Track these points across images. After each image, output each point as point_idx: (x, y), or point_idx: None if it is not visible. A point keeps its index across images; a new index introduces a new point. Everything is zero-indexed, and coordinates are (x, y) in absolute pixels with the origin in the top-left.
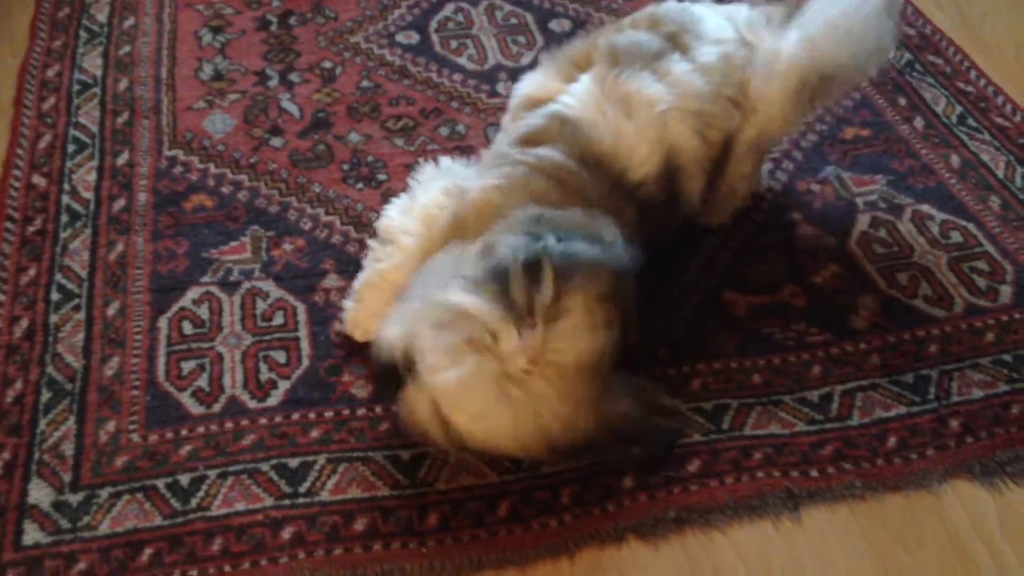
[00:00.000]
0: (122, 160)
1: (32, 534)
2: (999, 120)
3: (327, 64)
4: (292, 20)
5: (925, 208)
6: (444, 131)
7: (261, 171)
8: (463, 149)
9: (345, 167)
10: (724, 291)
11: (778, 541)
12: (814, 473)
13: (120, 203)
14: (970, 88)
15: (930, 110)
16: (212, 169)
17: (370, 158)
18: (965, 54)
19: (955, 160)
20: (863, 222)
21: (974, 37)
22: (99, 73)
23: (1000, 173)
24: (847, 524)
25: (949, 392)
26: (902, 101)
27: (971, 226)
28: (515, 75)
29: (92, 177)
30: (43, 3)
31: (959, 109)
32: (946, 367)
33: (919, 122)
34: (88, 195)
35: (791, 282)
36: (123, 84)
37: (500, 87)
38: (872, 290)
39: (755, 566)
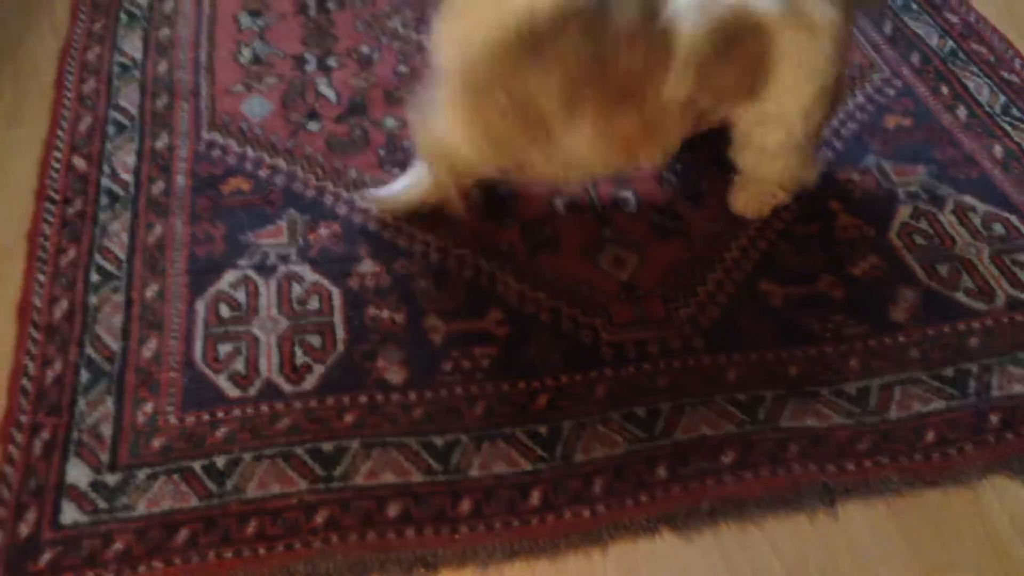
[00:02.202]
0: (161, 143)
1: (70, 513)
2: None
3: (364, 49)
4: (330, 4)
5: (967, 199)
6: None
7: (298, 155)
8: None
9: (381, 152)
10: (761, 280)
11: (814, 537)
12: (851, 467)
13: (159, 186)
14: (1014, 78)
15: (973, 99)
16: (250, 152)
17: (406, 143)
18: (1010, 43)
19: (998, 150)
20: (904, 213)
21: (1020, 25)
22: (139, 56)
23: None
24: (884, 520)
25: (989, 387)
26: (944, 90)
27: (1014, 218)
28: None
29: (131, 159)
30: None
31: (1003, 99)
32: (987, 361)
33: (962, 111)
34: (128, 177)
35: (830, 273)
36: (163, 67)
37: None
38: (912, 282)
39: (791, 563)
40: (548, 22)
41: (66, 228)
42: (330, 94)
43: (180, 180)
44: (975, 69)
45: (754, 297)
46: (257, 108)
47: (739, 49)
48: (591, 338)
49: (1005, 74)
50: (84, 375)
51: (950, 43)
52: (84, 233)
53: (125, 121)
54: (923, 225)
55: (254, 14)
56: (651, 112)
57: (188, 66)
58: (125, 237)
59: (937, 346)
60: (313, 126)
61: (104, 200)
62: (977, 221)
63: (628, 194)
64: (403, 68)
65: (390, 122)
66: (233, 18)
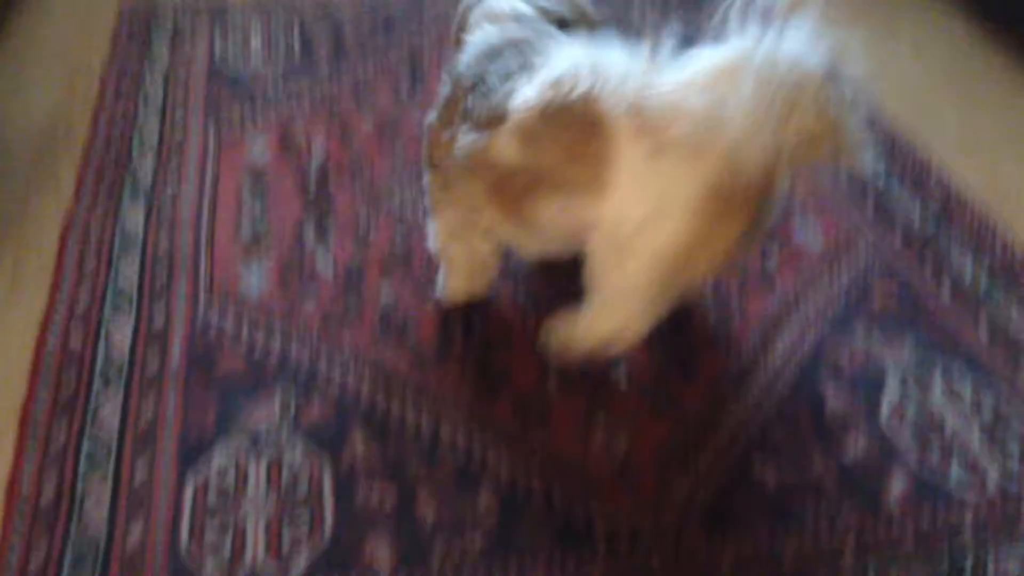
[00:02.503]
0: (158, 320)
1: None
2: None
3: (362, 224)
4: (330, 180)
5: (955, 376)
6: None
7: (294, 330)
8: (493, 310)
9: (377, 324)
10: (754, 463)
11: None
12: None
13: (153, 365)
14: (997, 252)
15: (957, 275)
16: (246, 328)
17: (401, 316)
18: (992, 217)
19: (984, 326)
20: (893, 391)
21: (1001, 200)
22: (140, 231)
23: None
24: None
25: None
26: (928, 265)
27: (1002, 395)
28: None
29: (127, 338)
30: (90, 157)
31: (987, 273)
32: (981, 552)
33: (946, 287)
34: (122, 356)
35: (822, 456)
36: (164, 243)
37: None
38: (904, 465)
39: None
40: None
41: (58, 409)
42: (327, 268)
43: (175, 358)
44: (958, 244)
45: (747, 480)
46: (255, 284)
47: (568, 131)
48: (584, 519)
49: (988, 249)
50: (69, 559)
51: (932, 219)
52: (76, 415)
53: (123, 298)
54: (912, 404)
55: (255, 190)
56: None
57: (189, 242)
58: (116, 420)
59: (931, 537)
60: (309, 300)
61: (97, 382)
62: (967, 398)
63: (620, 369)
64: (399, 240)
65: (385, 294)
66: (235, 195)
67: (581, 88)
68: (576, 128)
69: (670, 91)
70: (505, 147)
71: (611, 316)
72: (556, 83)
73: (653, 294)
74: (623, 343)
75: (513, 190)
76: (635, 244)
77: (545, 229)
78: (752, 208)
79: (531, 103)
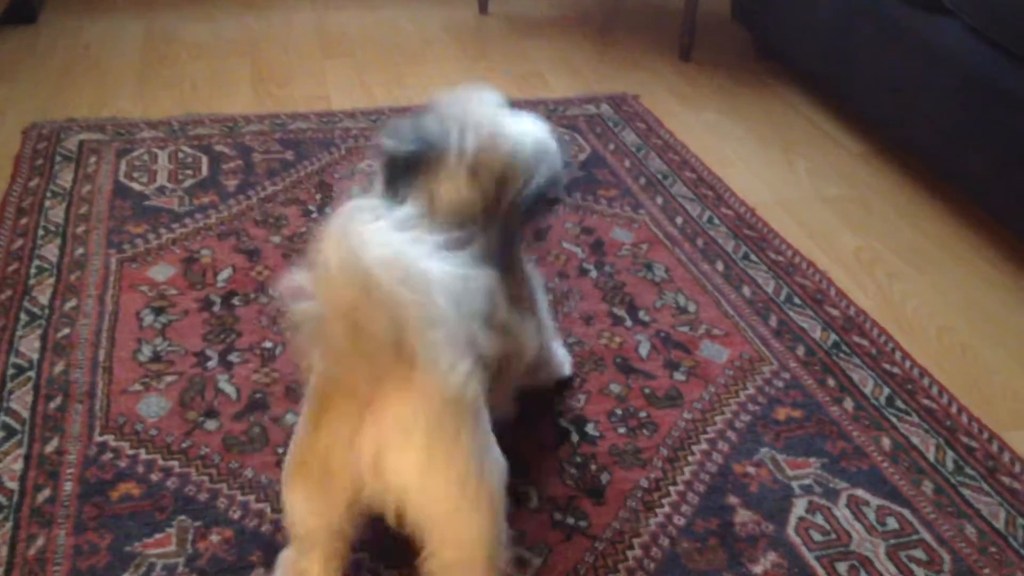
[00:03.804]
0: (51, 447)
1: None
2: (926, 402)
3: (267, 344)
4: (235, 300)
5: (860, 493)
6: None
7: (192, 456)
8: None
9: (280, 451)
10: None
11: None
12: None
13: (45, 493)
14: (896, 370)
15: (859, 391)
16: (142, 455)
17: None
18: (889, 335)
19: (886, 443)
20: (800, 507)
21: (897, 318)
22: (35, 356)
23: (931, 456)
24: None
25: None
26: (831, 382)
27: (906, 512)
28: None
29: (19, 466)
30: None
31: (887, 390)
32: None
33: (849, 403)
34: (13, 485)
35: (731, 571)
36: (59, 367)
37: None
38: None
39: None
40: None
41: None
42: (230, 390)
43: (67, 486)
44: (858, 361)
45: None
46: (154, 408)
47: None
48: None
49: (887, 366)
50: None
51: (833, 336)
52: None
53: (16, 425)
54: (819, 520)
55: (158, 311)
56: None
57: (86, 366)
58: (4, 550)
59: None
60: (211, 424)
61: None
62: (871, 515)
63: (530, 489)
64: (307, 362)
65: (291, 418)
66: (136, 315)
67: None
68: None
69: None
70: None
71: None
72: None
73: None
74: None
75: None
76: None
77: None
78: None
79: None
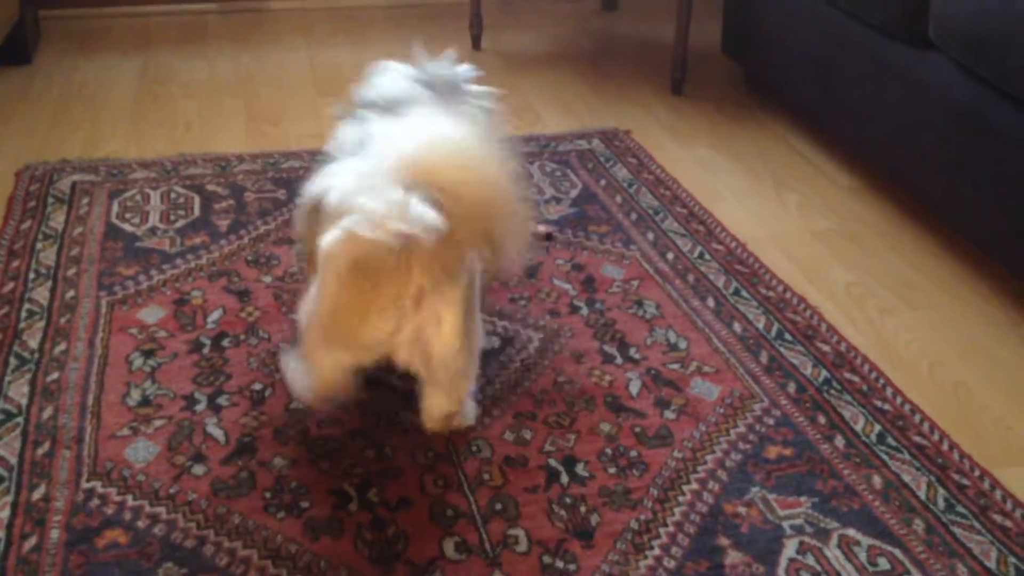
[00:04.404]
0: (38, 494)
1: None
2: (917, 439)
3: (257, 386)
4: (225, 342)
5: (851, 532)
6: (370, 453)
7: (180, 502)
8: (388, 471)
9: (267, 495)
10: None
11: None
12: None
13: (31, 541)
14: (887, 406)
15: (850, 428)
16: (129, 502)
17: (293, 484)
18: (880, 371)
19: (877, 481)
20: (791, 548)
21: (889, 354)
22: (24, 401)
23: (922, 495)
24: None
25: None
26: (822, 419)
27: (897, 551)
28: None
29: (6, 513)
30: None
31: (878, 428)
32: None
33: (840, 441)
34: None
35: None
36: (47, 412)
37: None
38: None
39: None
40: None
41: None
42: (218, 434)
43: (54, 534)
44: (849, 398)
45: None
46: (142, 453)
47: None
48: None
49: (878, 403)
50: None
51: (824, 372)
52: None
53: (3, 472)
54: (810, 560)
55: (147, 354)
56: None
57: (74, 410)
58: None
59: None
60: (198, 469)
61: None
62: (862, 556)
63: (519, 532)
64: (295, 404)
65: (279, 462)
66: (125, 359)
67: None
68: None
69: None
70: None
71: None
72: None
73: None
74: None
75: None
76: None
77: None
78: (401, 275)
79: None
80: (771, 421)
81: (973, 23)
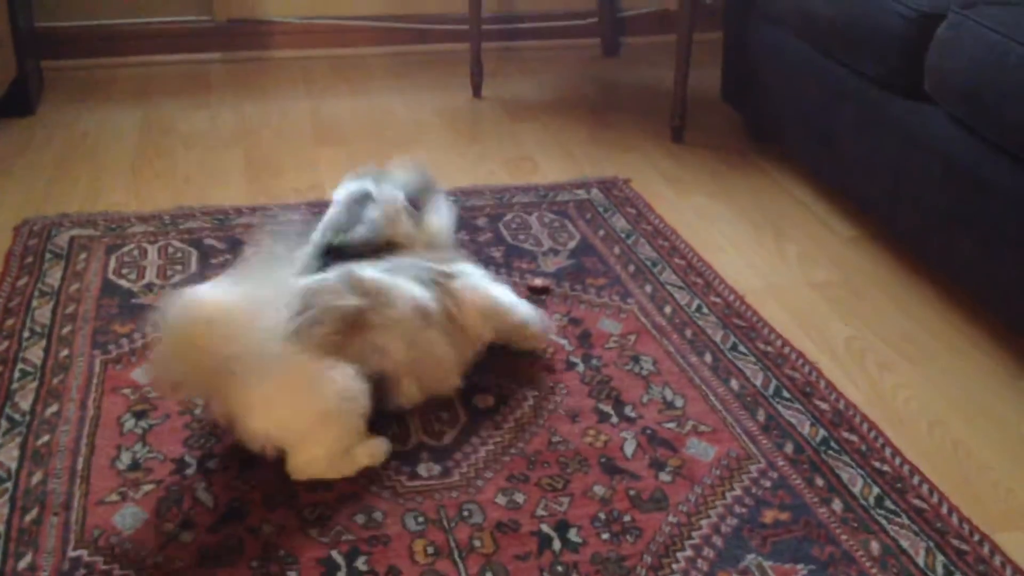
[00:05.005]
0: (24, 563)
1: None
2: (916, 502)
3: (247, 450)
4: None
5: None
6: (360, 519)
7: (166, 571)
8: (378, 538)
9: (254, 564)
10: None
11: None
12: None
13: None
14: (886, 467)
15: (848, 491)
16: (116, 570)
17: (281, 552)
18: (879, 430)
19: (875, 547)
20: None
21: (888, 412)
22: (14, 466)
23: (921, 561)
24: None
25: None
26: (819, 482)
27: None
28: (438, 455)
29: None
30: None
31: (876, 490)
32: None
33: (838, 504)
34: None
35: None
36: (37, 477)
37: (421, 468)
38: None
39: None
40: None
41: None
42: (208, 499)
43: None
44: (848, 459)
45: None
46: (129, 519)
47: None
48: None
49: (877, 464)
50: None
51: (822, 432)
52: None
53: None
54: None
55: (139, 415)
56: None
57: (64, 475)
58: None
59: None
60: (186, 536)
61: None
62: None
63: None
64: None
65: (267, 529)
66: (117, 420)
67: None
68: None
69: None
70: None
71: None
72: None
73: None
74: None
75: None
76: None
77: None
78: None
79: None
80: (767, 483)
81: (968, 77)
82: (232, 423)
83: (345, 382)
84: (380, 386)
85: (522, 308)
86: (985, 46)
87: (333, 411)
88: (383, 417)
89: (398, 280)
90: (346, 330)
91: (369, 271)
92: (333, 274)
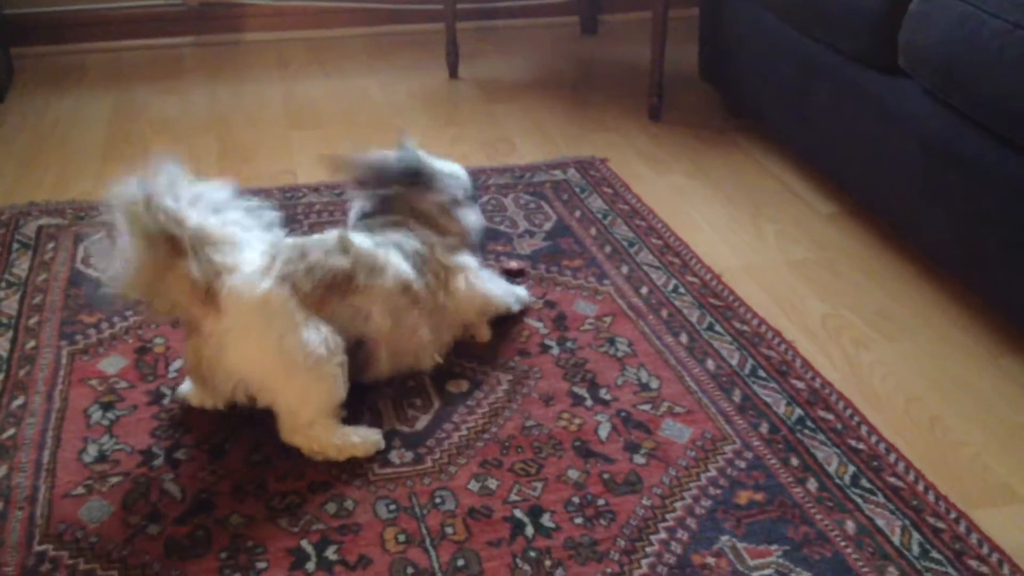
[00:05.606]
0: None
1: None
2: (892, 480)
3: (216, 439)
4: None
5: None
6: (331, 508)
7: (132, 564)
8: (349, 527)
9: (223, 556)
10: None
11: None
12: None
13: None
14: (862, 446)
15: (823, 470)
16: (81, 565)
17: (250, 543)
18: (855, 408)
19: (851, 526)
20: None
21: (864, 389)
22: None
23: (896, 540)
24: None
25: None
26: (795, 461)
27: None
28: (410, 442)
29: None
30: None
31: (852, 468)
32: None
33: (813, 484)
34: None
35: None
36: (1, 472)
37: (393, 455)
38: None
39: None
40: None
41: None
42: (175, 491)
43: None
44: (823, 438)
45: None
46: (96, 512)
47: None
48: None
49: (853, 442)
50: None
51: (797, 410)
52: None
53: None
54: None
55: (106, 406)
56: None
57: (29, 469)
58: None
59: None
60: (153, 529)
61: None
62: None
63: None
64: (256, 457)
65: (236, 519)
66: (83, 412)
67: None
68: None
69: None
70: None
71: None
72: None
73: None
74: None
75: None
76: None
77: None
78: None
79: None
80: (742, 464)
81: (941, 51)
82: (203, 361)
83: (326, 334)
84: (359, 352)
85: (511, 296)
86: (958, 19)
87: (312, 359)
88: (357, 391)
89: (390, 255)
90: (333, 287)
91: (363, 239)
92: (329, 235)
